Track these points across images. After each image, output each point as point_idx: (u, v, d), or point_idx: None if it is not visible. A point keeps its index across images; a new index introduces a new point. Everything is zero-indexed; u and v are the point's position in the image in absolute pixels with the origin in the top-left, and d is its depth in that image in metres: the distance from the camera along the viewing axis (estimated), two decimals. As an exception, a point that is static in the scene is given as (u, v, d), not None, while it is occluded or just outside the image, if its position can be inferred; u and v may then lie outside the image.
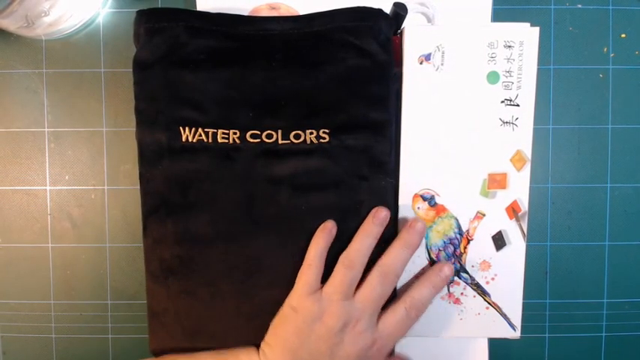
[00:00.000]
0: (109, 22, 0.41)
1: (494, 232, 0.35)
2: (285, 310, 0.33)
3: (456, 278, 0.35)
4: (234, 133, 0.33)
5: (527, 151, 0.34)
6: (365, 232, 0.33)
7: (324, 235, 0.33)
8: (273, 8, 0.39)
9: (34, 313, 0.41)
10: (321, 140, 0.33)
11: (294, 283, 0.33)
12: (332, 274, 0.32)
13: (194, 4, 0.39)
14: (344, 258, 0.32)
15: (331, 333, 0.31)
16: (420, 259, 0.35)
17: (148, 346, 0.36)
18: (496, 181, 0.35)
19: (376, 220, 0.33)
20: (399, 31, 0.35)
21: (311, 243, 0.33)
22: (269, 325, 0.33)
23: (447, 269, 0.34)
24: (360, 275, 0.32)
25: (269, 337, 0.33)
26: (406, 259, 0.33)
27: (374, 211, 0.33)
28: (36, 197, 0.41)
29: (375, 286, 0.32)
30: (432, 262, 0.35)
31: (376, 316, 0.33)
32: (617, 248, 0.41)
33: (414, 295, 0.33)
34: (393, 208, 0.35)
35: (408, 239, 0.33)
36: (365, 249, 0.32)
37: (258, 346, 0.33)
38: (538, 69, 0.34)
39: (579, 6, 0.40)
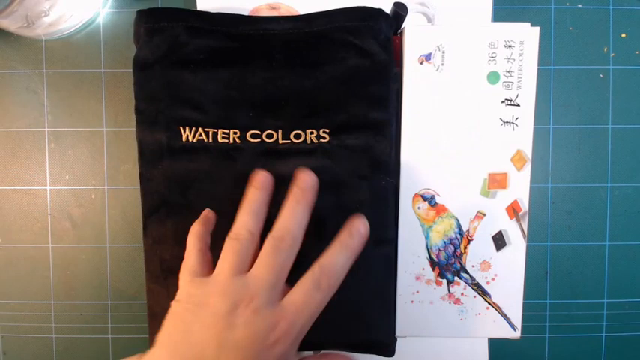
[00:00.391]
0: (109, 22, 0.41)
1: (494, 232, 0.35)
2: (171, 305, 0.28)
3: (456, 278, 0.35)
4: (235, 133, 0.33)
5: (528, 151, 0.34)
6: (246, 202, 0.29)
7: (200, 221, 0.30)
8: (273, 8, 0.39)
9: (34, 313, 0.41)
10: (322, 140, 0.33)
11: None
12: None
13: (194, 4, 0.39)
14: (230, 233, 0.29)
15: (218, 316, 0.25)
16: (420, 259, 0.35)
17: (148, 346, 0.36)
18: (496, 181, 0.35)
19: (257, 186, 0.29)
20: (399, 31, 0.35)
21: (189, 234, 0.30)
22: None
23: (361, 226, 0.28)
24: (253, 249, 0.28)
25: (157, 337, 0.28)
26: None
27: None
28: (36, 197, 0.41)
29: (271, 255, 0.27)
30: (432, 262, 0.35)
31: (278, 291, 0.27)
32: (617, 248, 0.41)
33: (324, 262, 0.28)
34: (393, 208, 0.35)
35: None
36: (245, 217, 0.28)
37: None
38: (538, 69, 0.34)
39: (579, 6, 0.40)
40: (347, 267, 0.28)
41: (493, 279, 0.35)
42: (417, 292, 0.35)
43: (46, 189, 0.41)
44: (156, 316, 0.34)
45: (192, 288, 0.28)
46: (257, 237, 0.28)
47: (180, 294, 0.28)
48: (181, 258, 0.33)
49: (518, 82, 0.34)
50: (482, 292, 0.35)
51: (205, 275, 0.28)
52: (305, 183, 0.29)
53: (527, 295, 0.36)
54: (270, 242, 0.28)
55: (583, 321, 0.41)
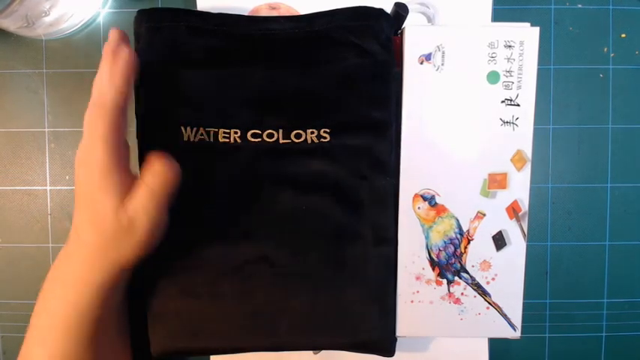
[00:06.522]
0: (109, 22, 0.41)
1: (494, 232, 0.35)
2: None
3: (456, 278, 0.35)
4: (235, 133, 0.33)
5: (528, 151, 0.35)
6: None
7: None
8: (273, 8, 0.39)
9: (34, 313, 0.41)
10: (322, 140, 0.33)
11: (295, 282, 0.33)
12: None
13: (194, 4, 0.39)
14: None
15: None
16: (420, 259, 0.35)
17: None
18: (496, 181, 0.35)
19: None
20: (399, 31, 0.35)
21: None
22: (270, 325, 0.33)
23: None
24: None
25: None
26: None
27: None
28: (36, 197, 0.41)
29: (85, 119, 0.30)
30: (432, 262, 0.35)
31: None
32: (617, 248, 0.41)
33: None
34: (393, 208, 0.35)
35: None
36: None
37: (262, 347, 0.34)
38: (538, 69, 0.34)
39: (579, 6, 0.40)
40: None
41: (493, 279, 0.35)
42: (417, 292, 0.35)
43: (46, 189, 0.41)
44: (156, 315, 0.34)
45: None
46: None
47: None
48: (182, 257, 0.33)
49: (518, 82, 0.34)
50: (483, 292, 0.35)
51: None
52: (110, 37, 0.30)
53: (527, 295, 0.36)
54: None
55: (583, 321, 0.41)
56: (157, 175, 0.30)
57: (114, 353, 0.32)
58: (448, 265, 0.35)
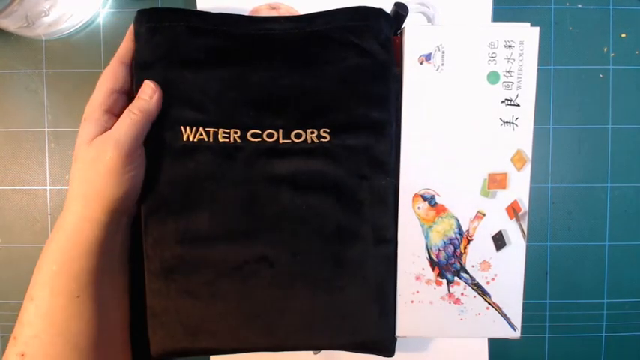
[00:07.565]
0: (109, 22, 0.41)
1: (494, 232, 0.35)
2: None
3: (456, 278, 0.35)
4: (235, 133, 0.33)
5: (528, 151, 0.35)
6: None
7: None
8: (273, 8, 0.39)
9: (34, 313, 0.41)
10: (322, 140, 0.33)
11: (294, 282, 0.33)
12: None
13: (194, 4, 0.39)
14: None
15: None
16: (420, 259, 0.35)
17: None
18: (496, 181, 0.35)
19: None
20: (399, 31, 0.35)
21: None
22: (270, 325, 0.33)
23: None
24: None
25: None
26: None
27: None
28: (36, 197, 0.41)
29: None
30: (432, 262, 0.35)
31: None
32: (617, 248, 0.41)
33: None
34: (393, 208, 0.35)
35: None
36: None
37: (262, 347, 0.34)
38: (538, 69, 0.34)
39: (579, 6, 0.40)
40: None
41: (493, 279, 0.35)
42: (417, 292, 0.35)
43: (46, 189, 0.41)
44: (156, 315, 0.34)
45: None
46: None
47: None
48: (182, 257, 0.33)
49: (518, 82, 0.34)
50: (482, 292, 0.35)
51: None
52: None
53: (527, 295, 0.36)
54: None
55: (583, 321, 0.41)
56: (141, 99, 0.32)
57: (114, 302, 0.34)
58: (448, 265, 0.35)
